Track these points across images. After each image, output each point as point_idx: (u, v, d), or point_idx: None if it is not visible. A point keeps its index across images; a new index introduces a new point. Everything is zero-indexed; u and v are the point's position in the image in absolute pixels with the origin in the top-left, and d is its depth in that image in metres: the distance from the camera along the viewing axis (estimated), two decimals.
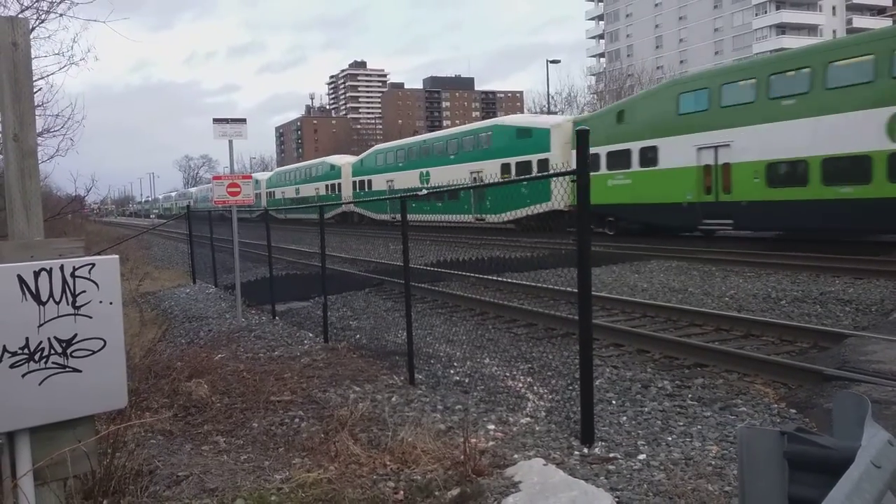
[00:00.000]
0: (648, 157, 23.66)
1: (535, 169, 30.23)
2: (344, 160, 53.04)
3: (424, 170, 39.24)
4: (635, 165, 24.18)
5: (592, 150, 24.15)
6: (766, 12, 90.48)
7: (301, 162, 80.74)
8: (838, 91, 17.64)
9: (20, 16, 8.26)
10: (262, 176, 73.57)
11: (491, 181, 11.14)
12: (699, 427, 5.80)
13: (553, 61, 61.04)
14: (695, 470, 4.81)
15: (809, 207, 18.28)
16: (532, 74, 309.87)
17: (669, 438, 5.55)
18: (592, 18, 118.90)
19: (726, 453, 5.11)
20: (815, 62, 18.32)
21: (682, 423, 5.92)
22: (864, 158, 17.06)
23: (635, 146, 24.04)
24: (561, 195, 7.93)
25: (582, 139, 4.95)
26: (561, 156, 28.24)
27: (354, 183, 48.49)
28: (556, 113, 56.72)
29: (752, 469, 2.43)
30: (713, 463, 4.95)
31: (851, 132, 17.21)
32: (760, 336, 9.05)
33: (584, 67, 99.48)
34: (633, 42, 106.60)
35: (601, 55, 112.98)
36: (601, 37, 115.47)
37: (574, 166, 5.04)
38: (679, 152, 22.23)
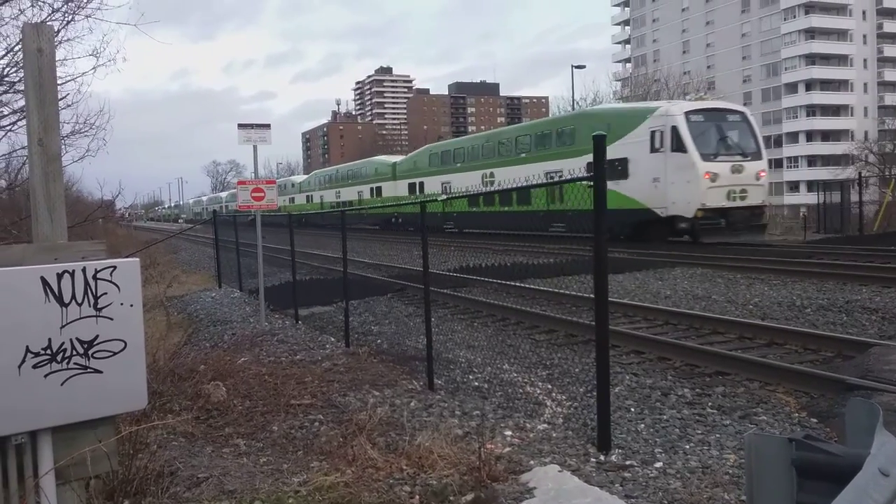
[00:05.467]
0: None
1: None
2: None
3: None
4: None
5: None
6: (794, 17, 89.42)
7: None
8: None
9: (48, 21, 8.45)
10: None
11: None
12: (718, 435, 5.76)
13: (578, 66, 60.57)
14: (711, 478, 4.78)
15: None
16: (562, 81, 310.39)
17: (687, 447, 5.52)
18: (619, 24, 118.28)
19: (744, 462, 5.07)
20: None
21: (700, 432, 5.88)
22: None
23: None
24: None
25: (598, 144, 4.98)
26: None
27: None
28: None
29: (759, 476, 2.42)
30: (730, 472, 4.91)
31: None
32: (784, 344, 8.94)
33: (609, 73, 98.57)
34: (660, 47, 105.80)
35: (627, 60, 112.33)
36: (627, 42, 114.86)
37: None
38: None
